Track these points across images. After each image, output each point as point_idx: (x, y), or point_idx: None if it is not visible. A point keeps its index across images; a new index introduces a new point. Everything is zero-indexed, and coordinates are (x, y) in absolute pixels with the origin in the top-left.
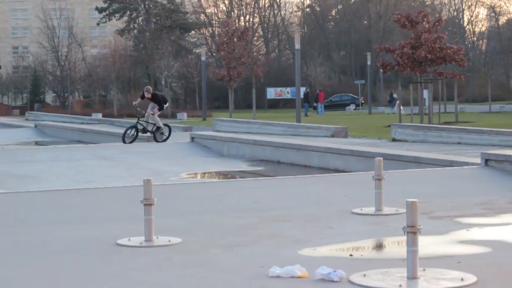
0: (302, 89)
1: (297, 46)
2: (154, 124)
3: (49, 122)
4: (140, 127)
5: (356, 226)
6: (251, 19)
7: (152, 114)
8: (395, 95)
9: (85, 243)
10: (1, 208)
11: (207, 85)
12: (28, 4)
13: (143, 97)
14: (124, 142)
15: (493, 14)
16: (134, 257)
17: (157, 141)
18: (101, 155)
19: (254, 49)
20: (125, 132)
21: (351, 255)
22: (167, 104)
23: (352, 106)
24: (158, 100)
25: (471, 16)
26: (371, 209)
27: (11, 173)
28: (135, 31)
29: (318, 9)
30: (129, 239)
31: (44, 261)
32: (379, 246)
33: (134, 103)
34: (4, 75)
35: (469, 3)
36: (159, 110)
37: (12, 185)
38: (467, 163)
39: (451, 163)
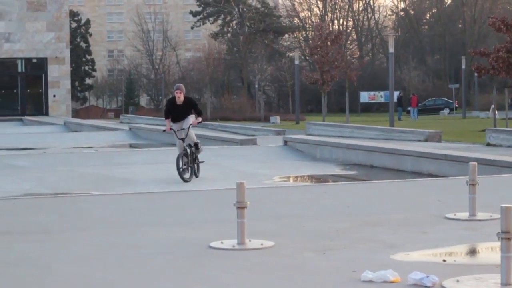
0: (396, 93)
1: (391, 49)
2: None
3: (143, 125)
4: (189, 150)
5: (449, 231)
6: (344, 23)
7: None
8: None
9: (178, 245)
10: (97, 210)
11: (300, 89)
12: (124, 8)
13: (170, 110)
14: (184, 180)
15: None
16: (227, 260)
17: (196, 175)
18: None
19: (348, 52)
20: (179, 167)
21: (444, 260)
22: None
23: (446, 110)
24: (195, 104)
25: None
26: (465, 214)
27: (106, 175)
28: (229, 34)
29: (412, 12)
30: (221, 242)
31: (138, 263)
32: (472, 252)
33: (165, 130)
34: (99, 78)
35: None
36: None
37: (107, 187)
38: None
39: None
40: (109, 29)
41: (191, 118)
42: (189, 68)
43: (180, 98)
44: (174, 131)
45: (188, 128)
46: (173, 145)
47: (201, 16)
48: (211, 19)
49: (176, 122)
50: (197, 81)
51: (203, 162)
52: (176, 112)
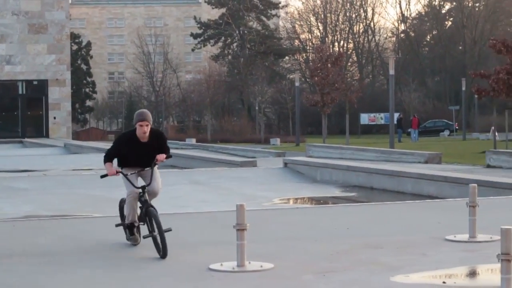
0: (396, 115)
1: (391, 71)
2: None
3: None
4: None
5: (449, 253)
6: (345, 45)
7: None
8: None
9: (179, 267)
10: (97, 232)
11: (301, 111)
12: (124, 30)
13: (123, 153)
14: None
15: None
16: (226, 282)
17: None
18: (195, 180)
19: (348, 74)
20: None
21: (444, 282)
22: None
23: (446, 132)
24: (164, 140)
25: None
26: (465, 236)
27: (106, 197)
28: (230, 56)
29: (412, 34)
30: (221, 264)
31: (140, 286)
32: (472, 274)
33: (106, 175)
34: (100, 100)
35: None
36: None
37: (107, 209)
38: None
39: None
40: (110, 51)
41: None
42: (190, 90)
43: (146, 133)
44: (125, 176)
45: (153, 167)
46: (175, 167)
47: (202, 38)
48: (211, 41)
49: (130, 167)
50: (198, 103)
51: (169, 230)
52: (134, 156)
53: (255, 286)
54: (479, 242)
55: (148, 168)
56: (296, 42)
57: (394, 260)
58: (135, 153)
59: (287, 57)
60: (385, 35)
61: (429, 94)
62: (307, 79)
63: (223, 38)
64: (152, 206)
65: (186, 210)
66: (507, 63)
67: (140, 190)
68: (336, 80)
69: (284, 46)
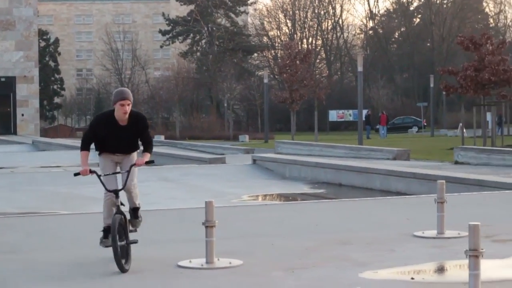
0: (364, 112)
1: (360, 68)
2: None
3: None
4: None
5: (417, 249)
6: (313, 42)
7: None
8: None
9: (147, 264)
10: (65, 229)
11: (269, 107)
12: (93, 27)
13: (99, 136)
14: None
15: None
16: (195, 279)
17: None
18: (163, 177)
19: (317, 71)
20: (116, 250)
21: (412, 278)
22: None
23: (415, 129)
24: (146, 126)
25: None
26: (433, 232)
27: (74, 194)
28: (198, 53)
29: (381, 31)
30: (190, 261)
31: (108, 282)
32: (440, 270)
33: (79, 173)
34: (68, 97)
35: None
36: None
37: (76, 206)
38: None
39: None
40: (78, 48)
41: (136, 155)
42: (158, 87)
43: (127, 114)
44: (99, 177)
45: (129, 170)
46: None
47: (170, 35)
48: (180, 38)
49: (107, 156)
50: (166, 100)
51: (136, 242)
52: (112, 140)
53: (224, 283)
54: (447, 238)
55: (124, 171)
56: (265, 39)
57: (362, 256)
58: (113, 137)
59: (255, 54)
60: (353, 32)
61: (398, 91)
62: (276, 76)
63: (191, 35)
64: (122, 213)
65: (155, 207)
66: (475, 60)
67: (114, 194)
68: (305, 77)
69: (253, 43)
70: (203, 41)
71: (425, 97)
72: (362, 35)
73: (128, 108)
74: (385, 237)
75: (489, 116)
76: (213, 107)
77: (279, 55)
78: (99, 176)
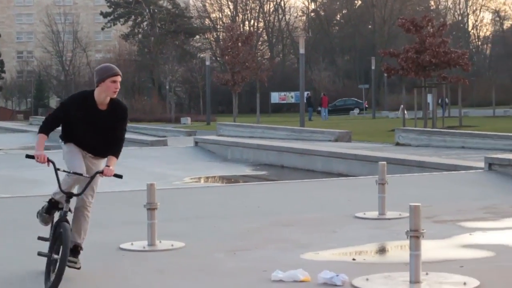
0: (306, 94)
1: (302, 50)
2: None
3: None
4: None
5: (359, 231)
6: (255, 24)
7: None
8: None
9: (88, 247)
10: (6, 212)
11: (212, 90)
12: (33, 9)
13: (68, 120)
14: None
15: (497, 19)
16: (137, 261)
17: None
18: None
19: (259, 53)
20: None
21: (354, 259)
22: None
23: (356, 111)
24: (125, 117)
25: (476, 21)
26: (375, 214)
27: (15, 177)
28: (140, 35)
29: (322, 13)
30: (132, 243)
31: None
32: (382, 250)
33: (32, 156)
34: (8, 79)
35: (474, 8)
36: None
37: (17, 190)
38: (470, 168)
39: (455, 168)
40: (19, 30)
41: (103, 163)
42: None
43: (116, 93)
44: (57, 170)
45: (93, 177)
46: None
47: (112, 17)
48: (121, 20)
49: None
50: None
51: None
52: (85, 126)
53: (166, 265)
54: (389, 219)
55: (87, 176)
56: (207, 21)
57: (304, 238)
58: (87, 123)
59: (197, 36)
60: (295, 14)
61: (339, 73)
62: (218, 58)
63: (133, 17)
64: (67, 221)
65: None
66: (416, 42)
67: (65, 196)
68: (247, 59)
69: (195, 25)
70: (145, 23)
71: (367, 79)
72: (304, 17)
73: (117, 89)
74: (326, 218)
75: (430, 98)
76: (155, 90)
77: (221, 37)
78: (57, 169)
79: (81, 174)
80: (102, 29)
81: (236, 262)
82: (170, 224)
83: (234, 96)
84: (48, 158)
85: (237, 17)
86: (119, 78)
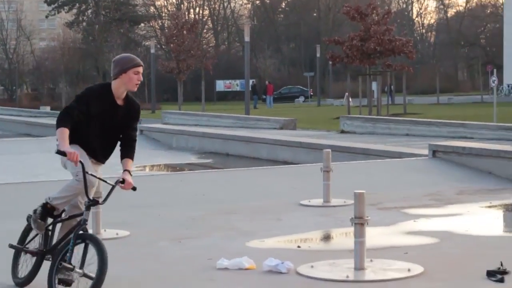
0: (251, 82)
1: (247, 38)
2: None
3: None
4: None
5: (304, 218)
6: (200, 12)
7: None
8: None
9: None
10: None
11: (156, 78)
12: None
13: (87, 113)
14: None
15: (441, 7)
16: None
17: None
18: (48, 148)
19: (204, 41)
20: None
21: (298, 246)
22: None
23: (301, 98)
24: (137, 116)
25: (420, 9)
26: (319, 201)
27: None
28: (84, 23)
29: (267, 1)
30: None
31: None
32: (326, 238)
33: (63, 153)
34: None
35: None
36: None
37: None
38: (415, 155)
39: (399, 155)
40: None
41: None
42: (44, 57)
43: (138, 85)
44: (85, 174)
45: (115, 186)
46: (29, 135)
47: (56, 5)
48: (66, 8)
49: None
50: (52, 70)
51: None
52: (101, 122)
53: (111, 253)
54: (333, 206)
55: (111, 184)
56: (152, 9)
57: (249, 225)
58: (103, 119)
59: (142, 24)
60: (240, 2)
61: (284, 61)
62: (163, 46)
63: (77, 4)
64: (94, 236)
65: (39, 178)
66: (361, 30)
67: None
68: (192, 47)
69: (140, 13)
70: (89, 11)
71: (312, 67)
72: (249, 5)
73: (138, 83)
74: (271, 206)
75: (374, 86)
76: (99, 78)
77: (166, 25)
78: (85, 172)
79: (105, 181)
80: (46, 17)
81: (181, 250)
82: (115, 213)
83: (179, 84)
84: (80, 159)
85: (182, 5)
86: (141, 69)
